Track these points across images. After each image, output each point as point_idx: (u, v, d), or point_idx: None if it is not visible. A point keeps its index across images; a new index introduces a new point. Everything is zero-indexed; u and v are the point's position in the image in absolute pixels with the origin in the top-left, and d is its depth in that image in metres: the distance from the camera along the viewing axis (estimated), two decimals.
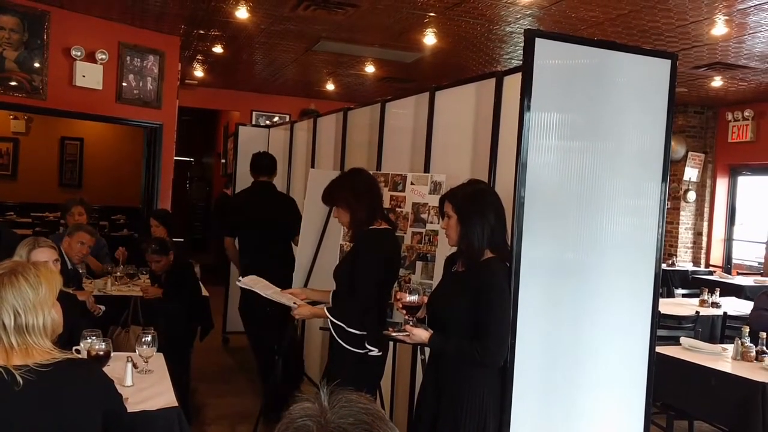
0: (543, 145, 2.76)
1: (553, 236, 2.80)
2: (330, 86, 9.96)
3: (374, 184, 3.22)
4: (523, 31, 6.28)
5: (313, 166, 5.51)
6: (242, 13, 6.21)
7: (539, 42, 2.74)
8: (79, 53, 6.52)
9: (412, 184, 3.64)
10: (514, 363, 2.65)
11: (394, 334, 2.73)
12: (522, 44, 6.70)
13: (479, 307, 2.54)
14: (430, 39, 6.75)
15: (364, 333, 2.84)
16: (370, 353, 2.97)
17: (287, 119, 11.03)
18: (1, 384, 1.88)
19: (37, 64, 6.41)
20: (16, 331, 1.94)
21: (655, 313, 2.98)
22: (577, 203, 2.83)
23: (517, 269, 2.66)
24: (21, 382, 1.89)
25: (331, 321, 3.01)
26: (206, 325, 5.08)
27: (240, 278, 3.52)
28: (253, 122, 10.85)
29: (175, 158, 7.87)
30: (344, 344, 2.97)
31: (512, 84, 3.23)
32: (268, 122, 11.09)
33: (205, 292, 5.08)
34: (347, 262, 3.13)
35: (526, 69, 2.73)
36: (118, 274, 5.18)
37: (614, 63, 2.91)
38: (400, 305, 2.69)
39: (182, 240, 5.28)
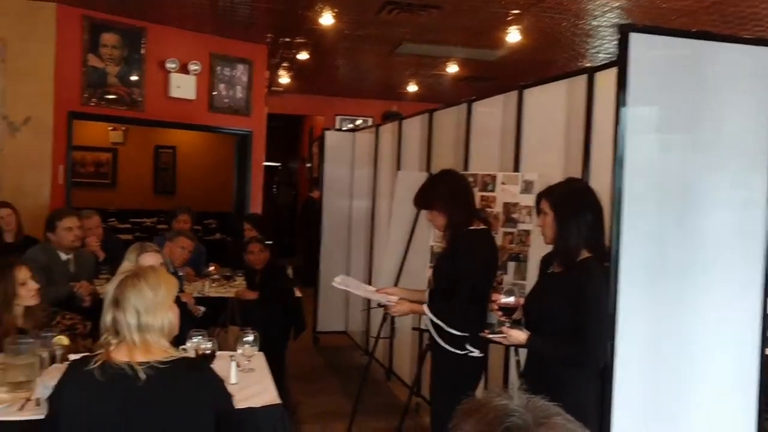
0: (640, 139, 2.69)
1: (654, 233, 2.72)
2: (412, 87, 10.00)
3: (467, 185, 3.22)
4: (610, 24, 6.19)
5: (398, 168, 5.56)
6: (327, 20, 6.34)
7: (633, 36, 2.68)
8: (173, 65, 6.83)
9: (502, 183, 3.63)
10: (614, 366, 2.59)
11: (490, 336, 2.72)
12: (610, 38, 6.58)
13: (577, 309, 2.50)
14: (513, 36, 6.67)
15: (466, 334, 2.83)
16: (470, 354, 2.97)
17: (370, 122, 11.16)
18: (125, 378, 2.01)
19: (135, 78, 6.76)
20: (138, 330, 2.07)
21: (765, 311, 2.84)
22: (677, 198, 2.74)
23: (615, 268, 2.60)
24: (143, 377, 2.02)
25: (430, 319, 3.03)
26: (299, 325, 5.22)
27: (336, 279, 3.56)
28: (337, 126, 11.04)
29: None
30: (444, 344, 2.98)
31: (604, 79, 3.17)
32: (350, 125, 11.26)
33: (298, 294, 5.21)
34: (446, 262, 3.13)
35: (621, 64, 2.67)
36: (216, 276, 5.38)
37: (712, 53, 2.80)
38: (496, 306, 2.68)
39: (271, 242, 5.42)
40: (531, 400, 1.05)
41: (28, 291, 3.17)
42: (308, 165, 12.55)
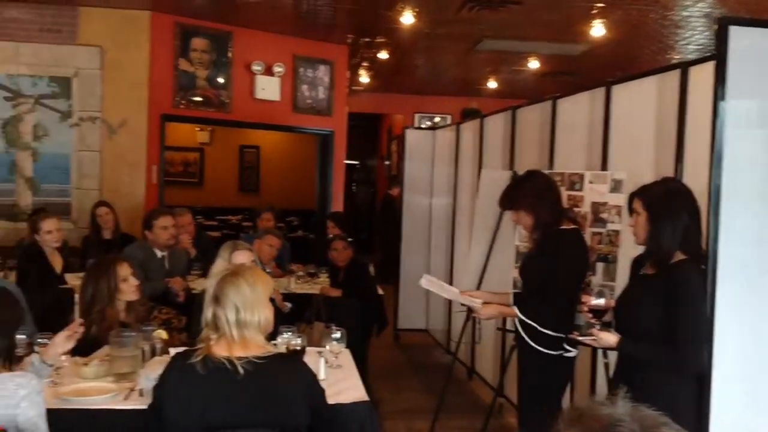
0: (740, 135, 2.59)
1: (753, 233, 2.61)
2: (491, 84, 9.91)
3: (554, 185, 3.17)
4: (701, 14, 5.94)
5: (480, 166, 5.53)
6: (407, 19, 6.37)
7: (733, 29, 2.57)
8: (259, 68, 7.04)
9: (590, 182, 3.55)
10: (711, 370, 2.50)
11: (580, 337, 2.68)
12: (702, 29, 6.32)
13: (672, 312, 2.43)
14: (598, 30, 6.51)
15: (561, 335, 2.80)
16: (564, 354, 2.93)
17: (449, 119, 11.12)
18: (225, 372, 2.11)
19: (223, 80, 7.01)
20: (237, 326, 2.16)
21: None
22: None
23: (713, 270, 2.52)
24: (241, 372, 2.11)
25: (521, 321, 3.00)
26: (382, 322, 5.28)
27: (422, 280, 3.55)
28: (416, 124, 11.06)
29: None
30: (535, 345, 2.96)
31: (700, 74, 3.06)
32: (429, 123, 11.26)
33: (379, 291, 5.27)
34: (535, 262, 3.10)
35: (720, 57, 2.57)
36: (300, 273, 5.51)
37: None
38: (586, 308, 2.64)
39: (352, 240, 5.51)
40: (636, 408, 1.04)
41: (129, 287, 3.34)
42: (387, 163, 12.63)
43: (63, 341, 2.67)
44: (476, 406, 5.08)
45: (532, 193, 3.07)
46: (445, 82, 10.03)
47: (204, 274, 5.25)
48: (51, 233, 4.67)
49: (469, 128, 6.06)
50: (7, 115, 6.48)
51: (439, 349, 6.66)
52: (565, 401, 3.32)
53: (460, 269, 5.97)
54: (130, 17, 6.52)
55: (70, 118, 6.56)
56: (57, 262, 4.84)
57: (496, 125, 5.35)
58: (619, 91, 3.71)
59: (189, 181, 11.39)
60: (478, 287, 4.35)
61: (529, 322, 2.95)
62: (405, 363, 6.34)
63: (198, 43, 6.82)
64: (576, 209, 3.55)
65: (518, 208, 3.12)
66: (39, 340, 2.86)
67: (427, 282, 3.25)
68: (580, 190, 3.59)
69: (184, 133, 10.50)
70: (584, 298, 2.65)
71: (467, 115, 10.47)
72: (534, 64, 8.33)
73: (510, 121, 5.01)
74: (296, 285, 5.32)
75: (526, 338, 2.99)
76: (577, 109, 4.12)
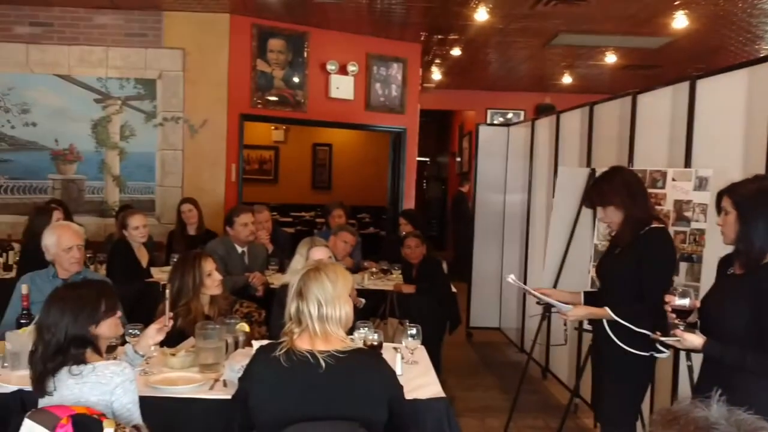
0: None
1: None
2: (566, 79, 9.72)
3: (642, 182, 3.08)
4: None
5: (556, 163, 5.45)
6: (481, 15, 6.33)
7: None
8: (333, 67, 7.15)
9: (673, 180, 3.45)
10: None
11: (663, 338, 2.61)
12: None
13: (761, 314, 2.34)
14: (680, 21, 6.29)
15: (658, 335, 2.70)
16: (655, 355, 2.85)
17: (522, 115, 10.98)
18: (308, 365, 2.17)
19: (298, 80, 7.15)
20: (319, 320, 2.22)
21: None
22: None
23: None
24: (323, 365, 2.16)
25: (610, 322, 2.93)
26: (455, 319, 5.28)
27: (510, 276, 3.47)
28: (488, 120, 10.97)
29: None
30: (625, 346, 2.88)
31: None
32: (501, 119, 11.15)
33: (453, 288, 5.27)
34: (625, 262, 2.98)
35: None
36: (374, 269, 5.57)
37: None
38: (669, 308, 2.57)
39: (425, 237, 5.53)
40: (731, 411, 1.02)
41: (213, 281, 3.46)
42: (458, 159, 12.58)
43: (154, 333, 2.79)
44: (550, 406, 5.02)
45: (623, 190, 2.95)
46: (518, 77, 9.90)
47: (280, 269, 5.40)
48: (138, 229, 4.89)
49: (544, 124, 5.97)
50: (97, 116, 6.83)
51: (512, 347, 6.61)
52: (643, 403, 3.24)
53: (536, 267, 5.90)
54: (210, 20, 6.75)
55: (155, 119, 6.85)
56: (143, 257, 5.06)
57: (572, 121, 5.26)
58: (705, 85, 3.58)
59: (264, 178, 11.67)
60: (555, 286, 4.29)
61: (624, 323, 2.85)
62: (478, 361, 6.31)
63: (275, 44, 6.99)
64: (658, 207, 3.45)
65: (608, 204, 3.00)
66: (130, 331, 3.01)
67: (513, 281, 3.17)
68: (663, 187, 3.49)
69: (259, 132, 10.77)
70: (668, 298, 2.57)
71: (541, 111, 10.32)
72: (611, 58, 8.12)
73: (587, 117, 4.91)
74: (369, 281, 5.38)
75: (616, 339, 2.90)
76: (659, 104, 4.00)
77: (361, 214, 10.98)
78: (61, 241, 3.54)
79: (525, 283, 5.92)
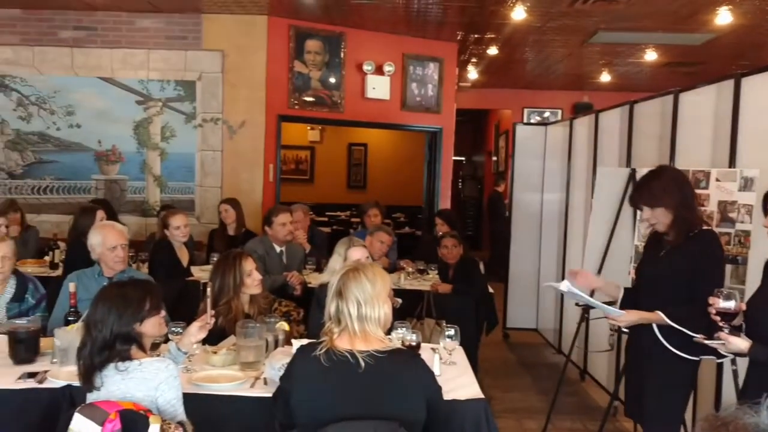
0: None
1: None
2: (605, 77, 9.59)
3: (690, 182, 3.00)
4: None
5: (595, 163, 5.38)
6: (519, 14, 6.29)
7: None
8: (370, 68, 7.18)
9: (717, 180, 3.38)
10: None
11: (707, 341, 2.56)
12: None
13: None
14: (724, 17, 6.15)
15: (702, 338, 2.63)
16: (703, 358, 2.79)
17: (559, 114, 10.88)
18: (347, 365, 2.19)
19: (335, 81, 7.20)
20: (358, 319, 2.24)
21: None
22: None
23: None
24: (363, 365, 2.18)
25: (657, 325, 2.87)
26: (491, 320, 5.26)
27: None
28: (525, 119, 10.90)
29: None
30: (675, 350, 2.82)
31: None
32: (538, 118, 11.06)
33: (490, 289, 5.25)
34: (673, 264, 2.90)
35: None
36: (410, 269, 5.57)
37: None
38: (714, 311, 2.52)
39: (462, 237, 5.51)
40: None
41: (253, 280, 3.50)
42: (494, 159, 12.52)
43: (196, 331, 2.85)
44: (589, 408, 4.97)
45: (674, 190, 2.86)
46: (555, 76, 9.81)
47: (317, 268, 5.45)
48: (179, 229, 4.98)
49: (582, 123, 5.91)
50: (138, 118, 6.98)
51: (549, 348, 6.55)
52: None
53: (574, 268, 5.83)
54: (248, 22, 6.83)
55: (194, 120, 6.97)
56: (184, 256, 5.15)
57: (611, 120, 5.19)
58: (751, 83, 3.50)
59: (300, 178, 11.78)
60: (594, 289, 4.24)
61: (680, 328, 2.76)
62: (514, 362, 6.28)
63: (312, 45, 7.05)
64: (702, 208, 3.39)
65: (658, 205, 2.89)
66: (173, 329, 3.07)
67: (567, 286, 3.07)
68: (706, 188, 3.43)
69: (296, 132, 10.86)
70: (712, 300, 2.52)
71: (579, 109, 10.22)
72: (651, 55, 7.99)
73: (627, 116, 4.84)
74: (406, 281, 5.38)
75: (665, 343, 2.83)
76: (703, 103, 3.93)
77: (396, 213, 11.00)
78: (106, 241, 3.63)
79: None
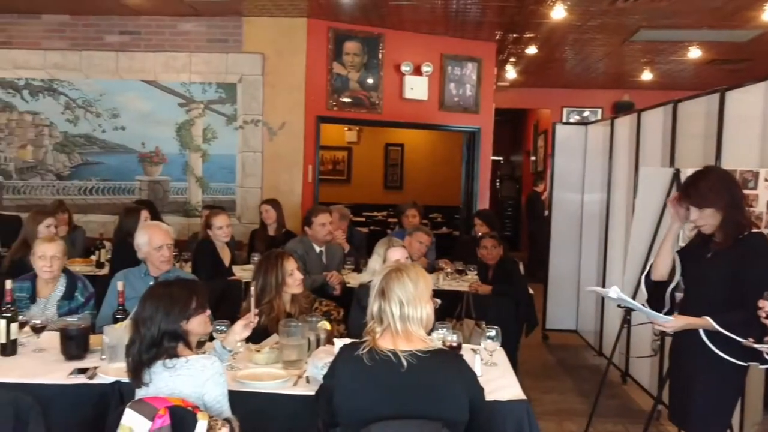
0: None
1: None
2: (646, 75, 9.44)
3: (739, 183, 2.93)
4: None
5: (637, 163, 5.30)
6: (558, 13, 6.23)
7: None
8: (408, 68, 7.20)
9: (766, 180, 3.31)
10: None
11: (756, 345, 2.51)
12: None
13: None
14: None
15: (750, 342, 2.57)
16: (760, 367, 2.73)
17: (599, 113, 10.74)
18: (390, 365, 2.20)
19: (373, 81, 7.23)
20: (401, 319, 2.25)
21: None
22: None
23: None
24: (405, 364, 2.19)
25: (705, 330, 2.81)
26: (531, 322, 5.23)
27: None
28: (564, 118, 10.79)
29: None
30: (725, 355, 2.76)
31: None
32: (577, 117, 10.93)
33: (530, 290, 5.21)
34: (722, 268, 2.83)
35: None
36: (448, 270, 5.57)
37: None
38: (764, 314, 2.47)
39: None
40: None
41: (294, 280, 3.55)
42: (533, 158, 12.41)
43: (241, 329, 2.90)
44: (631, 411, 4.91)
45: (723, 191, 2.79)
46: (595, 75, 9.69)
47: (356, 268, 5.48)
48: (222, 229, 5.07)
49: (624, 123, 5.82)
50: (181, 120, 7.11)
51: (589, 350, 6.48)
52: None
53: (615, 269, 5.76)
54: (288, 25, 6.91)
55: (235, 122, 7.07)
56: (226, 256, 5.24)
57: (654, 119, 5.11)
58: None
59: (337, 178, 11.85)
60: (636, 290, 4.18)
61: (728, 333, 2.69)
62: (554, 364, 6.22)
63: (350, 46, 7.09)
64: (750, 209, 3.31)
65: (707, 206, 2.82)
66: (218, 327, 3.13)
67: (616, 293, 3.01)
68: (755, 188, 3.35)
69: (333, 133, 10.94)
70: (761, 303, 2.47)
71: (620, 108, 10.07)
72: (695, 52, 7.84)
73: (671, 115, 4.76)
74: (444, 281, 5.38)
75: (714, 348, 2.77)
76: (750, 101, 3.84)
77: (433, 213, 10.98)
78: (152, 240, 3.71)
79: (603, 285, 5.80)
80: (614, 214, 5.92)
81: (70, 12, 7.00)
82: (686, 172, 3.62)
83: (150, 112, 7.12)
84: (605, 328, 6.01)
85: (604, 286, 5.71)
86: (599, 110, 10.87)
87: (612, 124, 6.07)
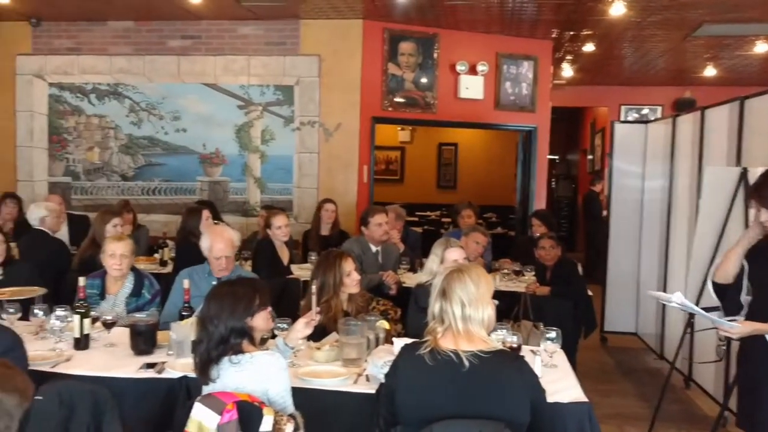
0: None
1: None
2: (709, 71, 9.16)
3: None
4: None
5: (700, 162, 5.16)
6: (617, 10, 6.10)
7: None
8: (463, 68, 7.18)
9: None
10: None
11: None
12: None
13: None
14: None
15: None
16: None
17: (658, 111, 10.48)
18: (451, 365, 2.22)
19: (427, 81, 7.24)
20: (462, 320, 2.27)
21: None
22: None
23: None
24: (467, 365, 2.20)
25: None
26: (590, 324, 5.15)
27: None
28: (622, 116, 10.57)
29: None
30: None
31: None
32: (636, 115, 10.70)
33: (588, 292, 5.14)
34: None
35: None
36: (505, 270, 5.54)
37: None
38: None
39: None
40: None
41: (352, 280, 3.59)
42: (589, 157, 12.20)
43: (302, 326, 2.96)
44: (695, 417, 4.79)
45: None
46: (654, 71, 9.45)
47: (411, 268, 5.50)
48: (281, 228, 5.16)
49: (687, 121, 5.67)
50: (240, 122, 7.27)
51: (650, 353, 6.33)
52: None
53: (676, 272, 5.62)
54: (344, 26, 6.98)
55: (292, 123, 7.19)
56: (284, 255, 5.33)
57: (719, 117, 4.96)
58: None
59: (391, 178, 11.87)
60: (701, 293, 4.08)
61: None
62: (613, 366, 6.11)
63: (406, 46, 7.12)
64: None
65: None
66: (279, 325, 3.20)
67: (680, 298, 2.94)
68: None
69: (386, 133, 10.97)
70: None
71: (681, 105, 9.81)
72: (762, 47, 7.57)
73: (737, 112, 4.62)
74: (501, 282, 5.35)
75: None
76: None
77: (487, 213, 10.89)
78: (213, 250, 3.79)
79: (665, 290, 5.65)
80: (676, 215, 5.78)
81: (135, 18, 7.23)
82: (755, 172, 3.51)
83: (210, 115, 7.30)
84: (667, 330, 5.88)
85: (665, 289, 5.58)
86: (659, 108, 10.60)
87: (674, 122, 5.92)
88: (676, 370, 5.09)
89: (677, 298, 2.76)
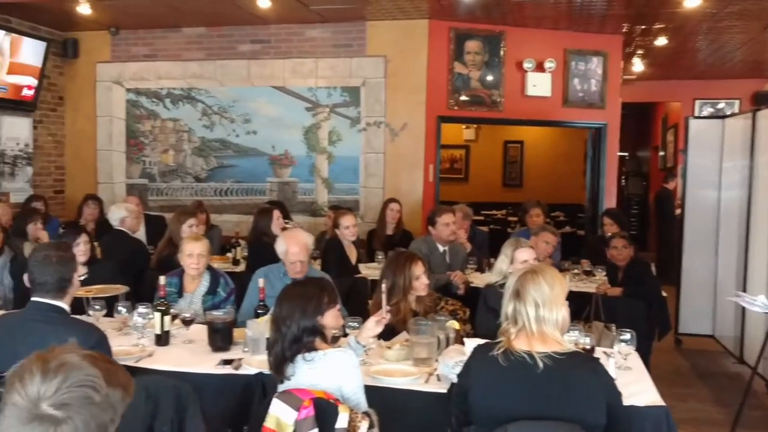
0: None
1: None
2: None
3: None
4: None
5: None
6: (692, 1, 5.91)
7: None
8: (530, 65, 7.10)
9: None
10: None
11: None
12: None
13: None
14: None
15: None
16: None
17: (736, 105, 10.08)
18: (525, 366, 2.21)
19: (493, 79, 7.19)
20: (536, 321, 2.26)
21: None
22: None
23: None
24: (541, 366, 2.19)
25: None
26: (664, 325, 5.01)
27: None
28: (696, 111, 10.21)
29: None
30: None
31: None
32: (711, 110, 10.31)
33: (663, 293, 5.00)
34: None
35: None
36: (575, 271, 5.44)
37: None
38: None
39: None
40: None
41: (421, 284, 3.60)
42: (661, 154, 11.84)
43: (374, 325, 3.00)
44: None
45: None
46: (731, 64, 9.08)
47: (479, 268, 5.48)
48: (349, 228, 5.23)
49: (767, 116, 5.44)
50: (308, 123, 7.40)
51: (728, 357, 6.10)
52: None
53: (757, 273, 5.40)
54: (410, 27, 7.01)
55: (359, 124, 7.27)
56: (352, 254, 5.40)
57: None
58: None
59: (455, 177, 11.83)
60: None
61: None
62: (689, 370, 5.92)
63: (471, 45, 7.09)
64: None
65: None
66: (350, 323, 3.26)
67: (764, 302, 2.84)
68: None
69: (451, 132, 10.92)
70: None
71: (762, 99, 9.40)
72: None
73: None
74: (571, 282, 5.26)
75: None
76: None
77: (555, 212, 10.70)
78: (288, 254, 3.87)
79: (744, 289, 5.44)
80: (756, 214, 5.55)
81: (207, 24, 7.46)
82: None
83: (279, 117, 7.46)
84: (747, 333, 5.65)
85: (744, 290, 5.37)
86: (736, 102, 10.19)
87: (754, 117, 5.69)
88: (757, 375, 4.90)
89: (762, 302, 2.66)
